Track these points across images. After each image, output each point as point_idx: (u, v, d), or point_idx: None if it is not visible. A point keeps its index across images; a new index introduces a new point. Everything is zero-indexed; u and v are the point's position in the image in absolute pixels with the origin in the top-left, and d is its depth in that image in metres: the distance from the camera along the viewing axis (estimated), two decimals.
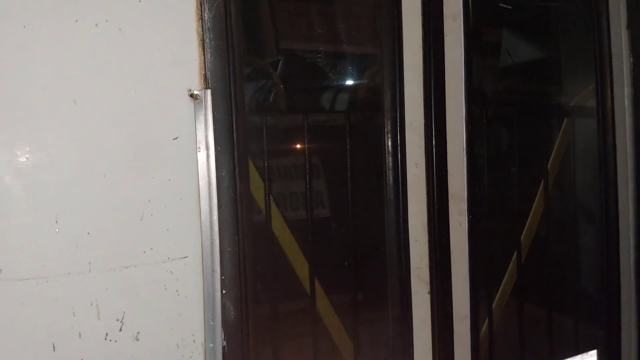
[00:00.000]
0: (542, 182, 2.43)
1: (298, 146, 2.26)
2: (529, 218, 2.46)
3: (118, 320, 1.44)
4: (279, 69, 2.62)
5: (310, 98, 2.67)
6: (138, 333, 1.46)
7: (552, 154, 2.52)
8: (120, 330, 1.44)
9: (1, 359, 1.34)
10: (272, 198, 2.05)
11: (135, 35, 1.43)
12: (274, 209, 2.12)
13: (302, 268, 2.15)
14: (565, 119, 2.56)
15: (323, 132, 2.23)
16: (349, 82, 2.72)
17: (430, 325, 2.02)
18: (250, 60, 2.60)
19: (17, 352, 1.35)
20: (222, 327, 1.53)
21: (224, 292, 1.53)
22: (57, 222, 1.37)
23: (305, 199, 2.12)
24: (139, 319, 1.46)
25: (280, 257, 2.13)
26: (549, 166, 2.48)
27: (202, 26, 1.49)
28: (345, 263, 2.16)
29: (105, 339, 1.43)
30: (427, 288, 2.01)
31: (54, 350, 1.38)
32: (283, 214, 2.21)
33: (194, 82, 1.50)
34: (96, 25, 1.40)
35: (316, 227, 2.16)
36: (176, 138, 1.48)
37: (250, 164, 1.94)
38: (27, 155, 1.35)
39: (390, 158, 2.00)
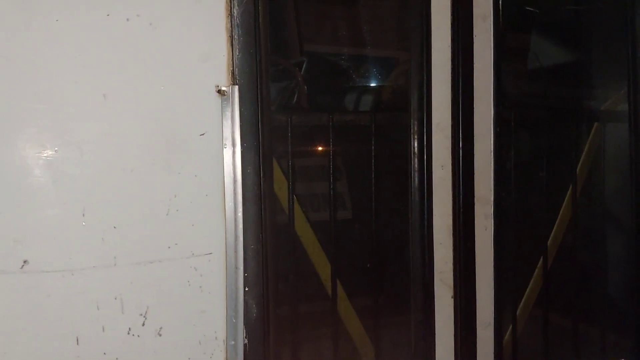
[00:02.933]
0: (571, 187, 2.38)
1: (322, 146, 2.24)
2: (556, 224, 2.41)
3: (141, 315, 1.44)
4: (303, 70, 2.61)
5: (334, 99, 2.66)
6: (161, 328, 1.46)
7: (581, 158, 2.47)
8: (144, 325, 1.44)
9: (26, 350, 1.35)
10: (295, 198, 2.04)
11: (165, 30, 1.43)
12: (297, 209, 2.11)
13: (324, 269, 2.13)
14: (595, 124, 2.51)
15: (347, 133, 2.21)
16: (375, 83, 2.71)
17: (453, 330, 1.98)
18: (276, 60, 2.60)
19: (42, 344, 1.36)
20: (244, 324, 1.52)
21: (246, 289, 1.52)
22: (84, 215, 1.38)
23: (329, 200, 2.11)
24: (163, 314, 1.46)
25: (302, 257, 2.12)
26: (577, 171, 2.42)
27: (231, 22, 1.48)
28: (368, 265, 2.15)
29: (129, 334, 1.43)
30: (451, 292, 1.98)
31: (78, 344, 1.38)
32: (306, 214, 2.20)
33: (222, 78, 1.49)
34: (127, 19, 1.40)
35: (339, 228, 2.14)
36: (203, 134, 1.48)
37: (274, 163, 1.93)
38: (56, 148, 1.35)
39: (415, 159, 1.98)
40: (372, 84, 2.72)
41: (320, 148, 2.28)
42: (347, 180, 2.46)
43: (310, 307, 2.16)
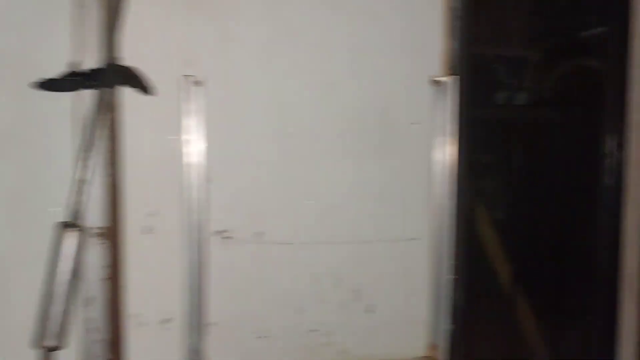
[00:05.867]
0: None
1: (520, 142, 2.18)
2: None
3: (354, 291, 1.52)
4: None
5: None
6: (371, 306, 1.53)
7: None
8: (356, 300, 1.52)
9: (253, 314, 1.49)
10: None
11: (385, 22, 1.50)
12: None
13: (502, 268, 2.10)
14: None
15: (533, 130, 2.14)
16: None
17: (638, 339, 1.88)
18: (500, 55, 2.50)
19: (264, 308, 1.49)
20: (449, 309, 1.56)
21: (452, 277, 1.55)
22: (308, 195, 1.48)
23: (504, 196, 2.07)
24: (372, 292, 1.54)
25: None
26: None
27: (450, 15, 1.52)
28: (546, 264, 2.08)
29: (342, 308, 1.52)
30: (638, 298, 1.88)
31: (300, 314, 1.50)
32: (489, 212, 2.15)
33: (437, 68, 1.53)
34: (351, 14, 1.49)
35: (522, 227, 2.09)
36: (416, 123, 1.53)
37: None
38: (291, 130, 1.47)
39: (610, 159, 1.89)
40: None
41: (517, 143, 2.22)
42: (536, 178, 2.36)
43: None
